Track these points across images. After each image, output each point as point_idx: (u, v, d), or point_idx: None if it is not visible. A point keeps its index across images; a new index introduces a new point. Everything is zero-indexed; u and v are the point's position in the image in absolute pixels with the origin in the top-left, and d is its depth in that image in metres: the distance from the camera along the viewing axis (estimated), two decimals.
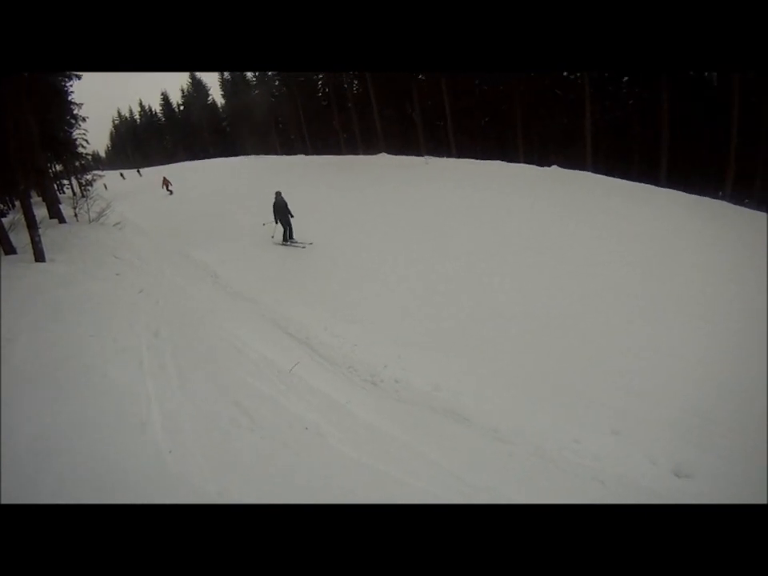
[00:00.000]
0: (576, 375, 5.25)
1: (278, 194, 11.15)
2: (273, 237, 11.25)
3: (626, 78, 20.29)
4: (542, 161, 18.13)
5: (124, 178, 36.36)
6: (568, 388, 5.07)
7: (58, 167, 21.59)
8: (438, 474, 4.00)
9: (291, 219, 11.14)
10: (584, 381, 5.15)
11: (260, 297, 7.80)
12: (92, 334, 5.68)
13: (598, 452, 4.24)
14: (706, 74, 18.28)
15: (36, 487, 3.38)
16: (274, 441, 4.24)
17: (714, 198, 13.31)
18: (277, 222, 11.07)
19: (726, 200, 13.86)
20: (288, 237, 11.13)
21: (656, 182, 16.09)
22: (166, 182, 21.34)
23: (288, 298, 7.66)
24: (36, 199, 16.34)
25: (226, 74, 42.37)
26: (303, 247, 10.60)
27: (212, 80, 61.72)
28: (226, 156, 37.31)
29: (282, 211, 11.01)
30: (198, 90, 47.18)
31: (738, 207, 12.12)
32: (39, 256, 8.54)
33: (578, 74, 20.66)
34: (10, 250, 9.05)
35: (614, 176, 14.91)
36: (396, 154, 23.09)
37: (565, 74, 21.48)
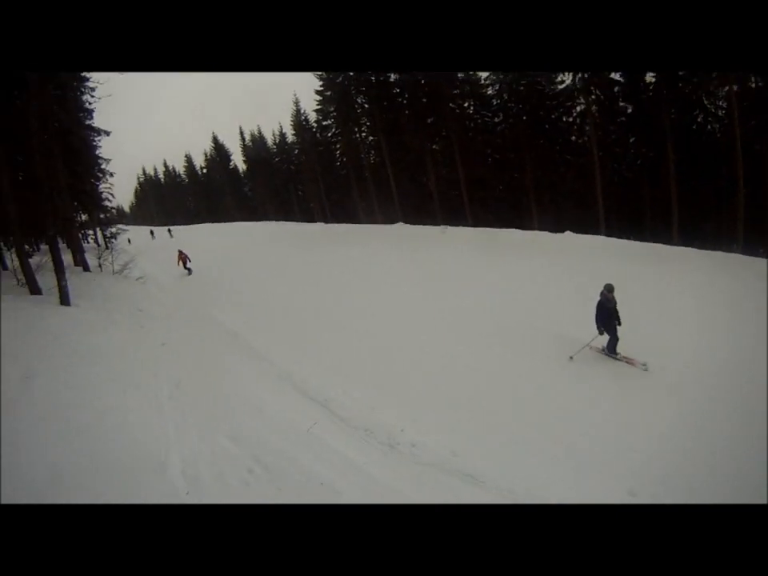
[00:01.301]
0: (589, 442, 5.24)
1: (609, 289, 7.22)
2: (571, 358, 7.38)
3: (632, 139, 20.84)
4: (557, 226, 18.45)
5: (154, 237, 32.74)
6: (583, 452, 5.08)
7: (84, 217, 22.43)
8: None
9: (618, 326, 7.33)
10: (595, 446, 5.18)
11: (278, 359, 7.83)
12: (113, 379, 5.77)
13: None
14: (709, 126, 19.05)
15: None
16: (290, 493, 4.19)
17: (728, 252, 13.32)
18: (601, 332, 7.26)
19: (739, 252, 13.86)
20: (612, 349, 7.36)
21: (669, 240, 16.22)
22: (183, 258, 17.36)
23: (307, 360, 7.72)
24: (61, 245, 16.85)
25: (248, 140, 44.57)
26: (643, 368, 6.93)
27: (234, 145, 64.92)
28: (248, 220, 38.12)
29: (608, 314, 7.22)
30: (220, 155, 49.35)
31: (752, 258, 12.24)
32: (65, 300, 8.81)
33: (586, 138, 21.35)
34: (36, 290, 9.33)
35: (627, 237, 15.11)
36: (413, 223, 23.73)
37: (573, 137, 22.44)
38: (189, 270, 16.92)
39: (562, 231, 16.66)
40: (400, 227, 23.64)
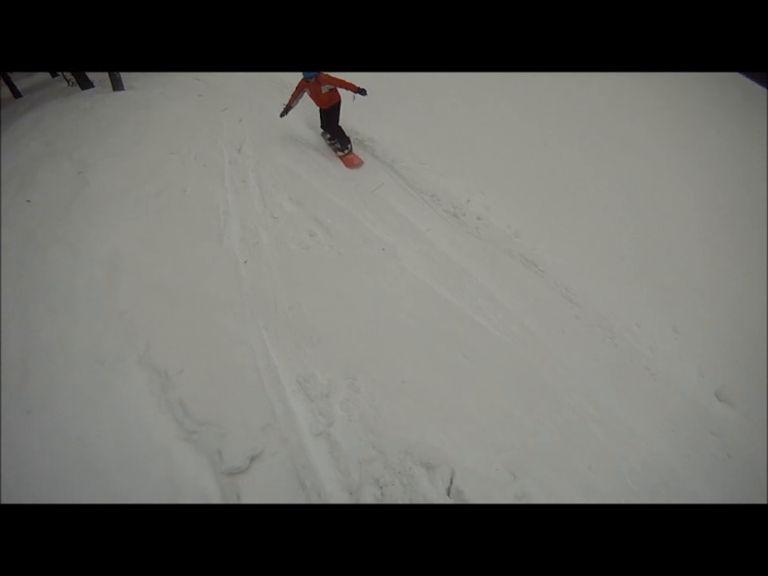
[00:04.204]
0: (654, 263, 4.61)
1: None
2: None
3: None
4: None
5: None
6: (644, 273, 4.50)
7: None
8: (499, 314, 3.88)
9: None
10: (660, 270, 4.57)
11: (346, 118, 7.06)
12: (172, 151, 5.52)
13: (655, 344, 3.94)
14: None
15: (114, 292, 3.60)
16: (350, 257, 4.04)
17: None
18: None
19: None
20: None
21: None
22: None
23: (376, 119, 6.87)
24: None
25: None
26: None
27: None
28: None
29: None
30: None
31: None
32: (117, 85, 8.25)
33: None
34: (87, 84, 8.88)
35: None
36: None
37: None
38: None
39: None
40: None
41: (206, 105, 7.11)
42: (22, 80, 12.19)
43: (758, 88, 10.11)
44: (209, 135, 6.00)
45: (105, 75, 8.54)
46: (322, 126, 5.89)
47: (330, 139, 5.82)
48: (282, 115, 5.59)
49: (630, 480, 2.84)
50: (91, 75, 9.10)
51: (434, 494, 2.57)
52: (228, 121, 6.46)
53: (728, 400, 3.65)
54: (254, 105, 6.93)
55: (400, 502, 2.55)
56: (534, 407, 3.12)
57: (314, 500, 2.56)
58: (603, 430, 3.11)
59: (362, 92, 5.18)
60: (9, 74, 10.69)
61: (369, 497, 2.55)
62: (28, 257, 3.97)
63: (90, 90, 8.75)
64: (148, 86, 8.34)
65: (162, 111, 6.89)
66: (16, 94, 10.66)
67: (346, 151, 5.61)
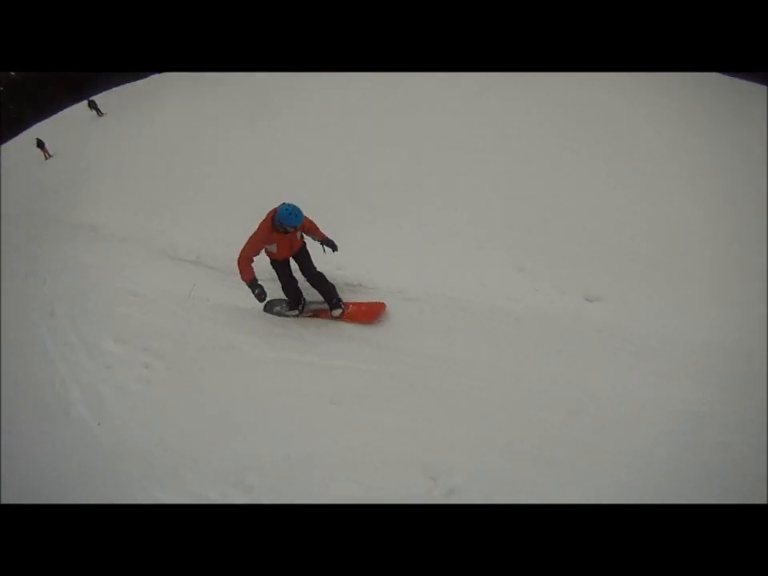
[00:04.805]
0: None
1: None
2: None
3: None
4: None
5: None
6: (472, 238, 5.14)
7: None
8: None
9: None
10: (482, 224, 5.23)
11: (142, 234, 7.19)
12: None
13: (507, 291, 4.45)
14: None
15: None
16: (193, 370, 4.29)
17: None
18: None
19: None
20: None
21: None
22: None
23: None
24: None
25: None
26: None
27: None
28: None
29: None
30: None
31: None
32: None
33: None
34: None
35: None
36: None
37: None
38: None
39: None
40: None
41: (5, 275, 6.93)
42: None
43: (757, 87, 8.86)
44: (19, 308, 5.93)
45: None
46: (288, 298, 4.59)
47: (293, 307, 4.60)
48: (263, 300, 4.20)
49: None
50: None
51: None
52: (33, 287, 6.42)
53: (599, 297, 4.22)
54: (55, 258, 6.94)
55: None
56: None
57: None
58: None
59: (332, 245, 4.37)
60: None
61: None
62: None
63: None
64: None
65: None
66: None
67: (339, 311, 4.44)
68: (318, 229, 4.36)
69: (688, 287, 4.24)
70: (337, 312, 4.41)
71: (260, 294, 4.08)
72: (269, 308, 4.75)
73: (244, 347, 4.43)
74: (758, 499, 2.51)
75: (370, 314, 4.36)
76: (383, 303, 4.43)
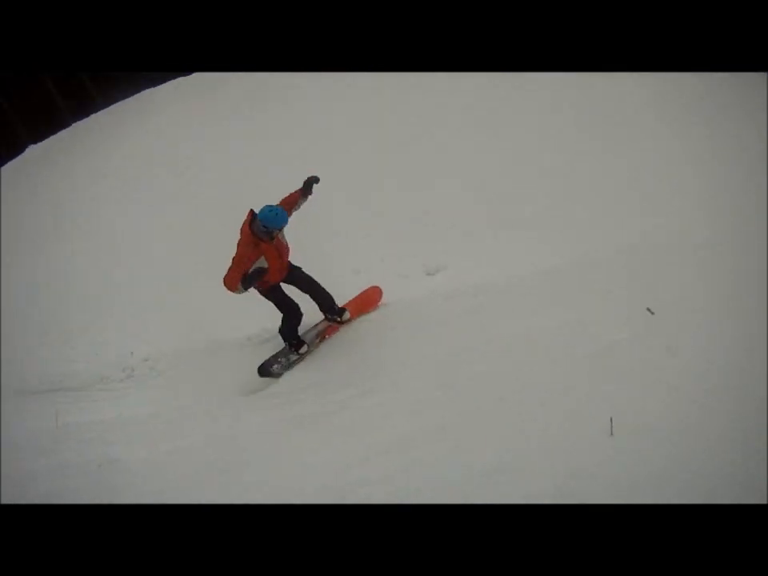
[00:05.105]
0: None
1: None
2: None
3: None
4: None
5: None
6: None
7: None
8: None
9: None
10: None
11: None
12: None
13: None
14: None
15: None
16: None
17: None
18: None
19: None
20: None
21: None
22: None
23: None
24: None
25: None
26: None
27: None
28: None
29: None
30: None
31: None
32: None
33: None
34: None
35: None
36: None
37: None
38: None
39: None
40: None
41: None
42: None
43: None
44: None
45: None
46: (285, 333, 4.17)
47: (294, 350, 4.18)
48: (261, 276, 3.63)
49: None
50: None
51: None
52: None
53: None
54: None
55: None
56: None
57: None
58: None
59: (310, 185, 3.74)
60: None
61: None
62: None
63: None
64: None
65: None
66: None
67: (346, 313, 4.24)
68: (291, 194, 3.78)
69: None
70: (345, 315, 4.22)
71: (260, 272, 3.55)
72: (265, 371, 4.13)
73: None
74: (758, 499, 2.45)
75: (369, 301, 4.26)
76: (377, 286, 4.28)
